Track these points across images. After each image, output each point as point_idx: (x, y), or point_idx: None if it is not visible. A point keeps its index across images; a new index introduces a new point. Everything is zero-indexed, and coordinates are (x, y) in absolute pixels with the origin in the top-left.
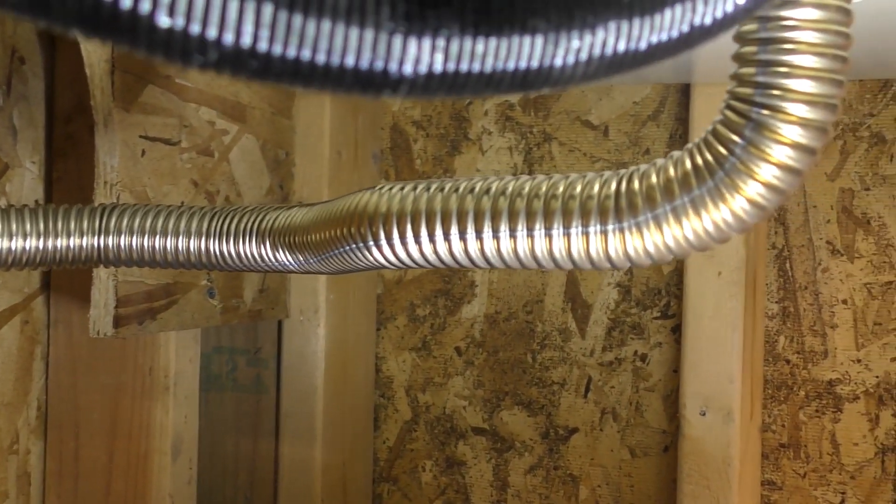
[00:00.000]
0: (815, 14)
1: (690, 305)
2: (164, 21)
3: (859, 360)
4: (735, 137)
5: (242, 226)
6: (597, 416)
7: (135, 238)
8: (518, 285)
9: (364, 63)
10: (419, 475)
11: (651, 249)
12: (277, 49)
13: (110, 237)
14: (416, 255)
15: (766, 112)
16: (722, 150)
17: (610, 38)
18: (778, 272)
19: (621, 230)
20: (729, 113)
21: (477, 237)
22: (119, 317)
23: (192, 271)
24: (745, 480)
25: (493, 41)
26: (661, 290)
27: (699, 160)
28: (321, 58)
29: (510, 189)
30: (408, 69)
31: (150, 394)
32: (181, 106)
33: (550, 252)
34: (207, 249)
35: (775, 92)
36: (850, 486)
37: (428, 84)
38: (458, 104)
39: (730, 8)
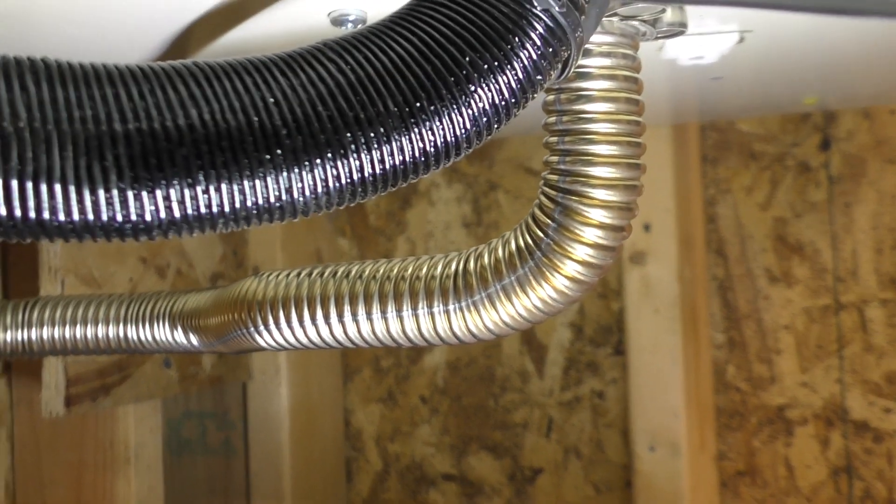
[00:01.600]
0: (606, 107)
1: (632, 343)
2: None
3: (805, 384)
4: (548, 220)
5: (157, 310)
6: (560, 454)
7: (56, 329)
8: None
9: (108, 217)
10: None
11: (490, 326)
12: (29, 214)
13: (35, 329)
14: (290, 339)
15: (572, 198)
16: (539, 232)
17: (342, 174)
18: (721, 302)
19: (461, 309)
20: (542, 198)
21: (339, 320)
22: (71, 396)
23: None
24: None
25: (223, 188)
26: (612, 326)
27: (521, 241)
28: (68, 217)
29: (366, 273)
30: (151, 218)
31: (111, 467)
32: None
33: (404, 331)
34: (125, 335)
35: (579, 178)
36: None
37: (175, 226)
38: None
39: (455, 133)
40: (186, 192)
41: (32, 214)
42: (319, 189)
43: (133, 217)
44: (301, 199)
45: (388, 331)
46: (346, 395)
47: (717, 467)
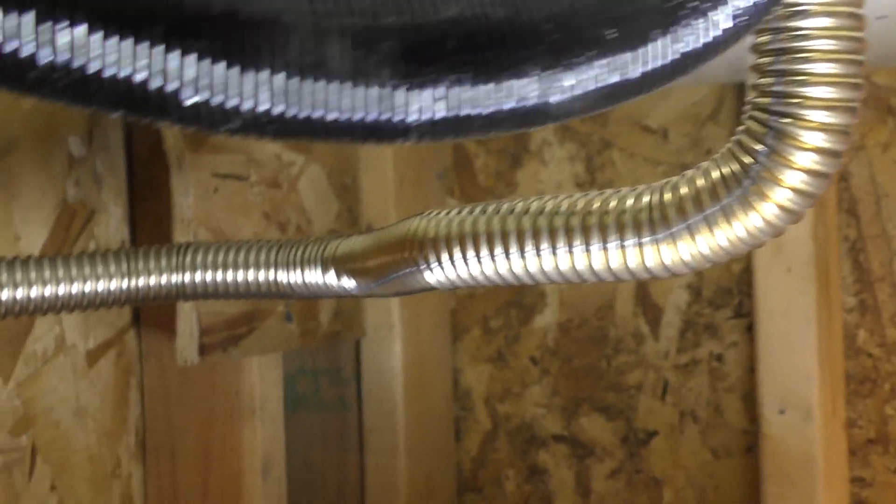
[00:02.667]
0: (826, 22)
1: (761, 304)
2: (188, 97)
3: None
4: (757, 146)
5: (307, 255)
6: (676, 418)
7: (209, 273)
8: (588, 292)
9: (371, 117)
10: (503, 484)
11: (687, 258)
12: (292, 111)
13: (187, 273)
14: (464, 275)
15: (785, 120)
16: (746, 158)
17: (602, 73)
18: (853, 265)
19: (656, 242)
20: (750, 122)
21: (520, 255)
22: (204, 345)
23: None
24: (832, 478)
25: (489, 86)
26: (733, 289)
27: (725, 170)
28: (332, 115)
29: (548, 208)
30: (412, 119)
31: (238, 416)
32: (247, 143)
33: (590, 266)
34: (276, 280)
35: (793, 100)
36: None
37: (433, 130)
38: None
39: (714, 35)
40: (453, 90)
41: (306, 112)
42: (576, 91)
43: (399, 117)
44: (558, 99)
45: (572, 265)
46: (455, 354)
47: (846, 434)
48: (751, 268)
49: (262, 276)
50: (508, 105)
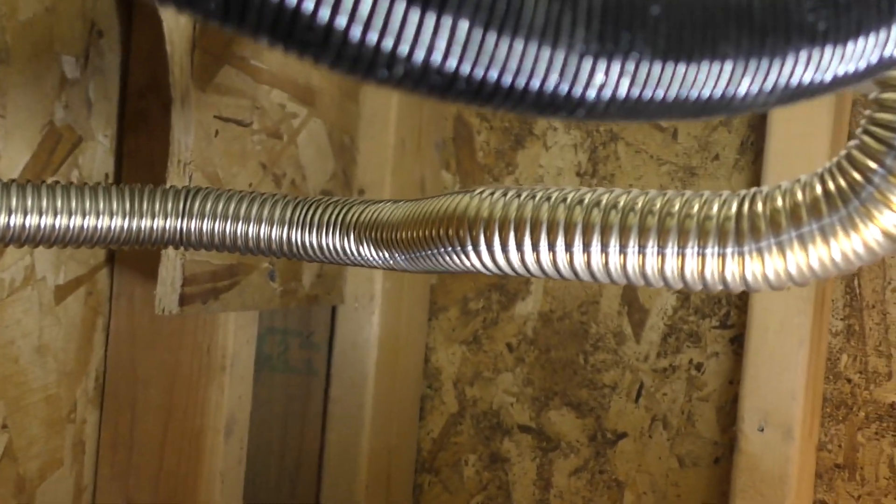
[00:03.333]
0: None
1: (756, 318)
2: (356, 35)
3: None
4: (873, 165)
5: (326, 217)
6: (647, 422)
7: (217, 223)
8: (574, 285)
9: (549, 86)
10: (461, 469)
11: (770, 276)
12: (465, 68)
13: (192, 220)
14: (516, 263)
15: None
16: (858, 176)
17: (798, 67)
18: (845, 289)
19: (741, 254)
20: (867, 139)
21: (584, 250)
22: (185, 295)
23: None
24: (800, 499)
25: (681, 67)
26: (722, 299)
27: (831, 186)
28: (507, 79)
29: (622, 203)
30: (591, 94)
31: (206, 372)
32: (254, 88)
33: (662, 271)
34: (290, 238)
35: None
36: None
37: (607, 109)
38: None
39: None
40: (644, 66)
41: (480, 70)
42: (772, 80)
43: (579, 89)
44: (752, 90)
45: (641, 268)
46: (430, 332)
47: (816, 457)
48: None
49: (275, 232)
50: (696, 90)
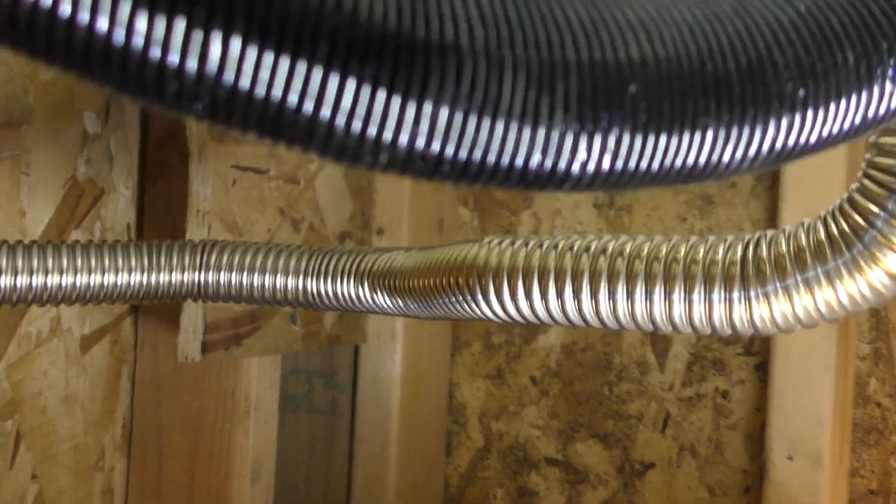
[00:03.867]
0: None
1: (780, 344)
2: (341, 125)
3: None
4: (875, 209)
5: (341, 266)
6: (674, 451)
7: (234, 275)
8: None
9: (534, 163)
10: (490, 503)
11: (779, 319)
12: (449, 151)
13: (210, 273)
14: (526, 311)
15: None
16: (861, 220)
17: (781, 134)
18: (870, 312)
19: (748, 299)
20: (868, 182)
21: (592, 297)
22: (207, 342)
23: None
24: None
25: (662, 139)
26: None
27: (834, 230)
28: (491, 158)
29: (628, 250)
30: (575, 168)
31: (231, 417)
32: None
33: (671, 316)
34: (305, 288)
35: None
36: None
37: (592, 182)
38: None
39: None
40: (625, 140)
41: (464, 152)
42: (755, 147)
43: (563, 165)
44: (736, 157)
45: (649, 314)
46: (453, 368)
47: (849, 484)
48: None
49: (290, 283)
50: (679, 160)
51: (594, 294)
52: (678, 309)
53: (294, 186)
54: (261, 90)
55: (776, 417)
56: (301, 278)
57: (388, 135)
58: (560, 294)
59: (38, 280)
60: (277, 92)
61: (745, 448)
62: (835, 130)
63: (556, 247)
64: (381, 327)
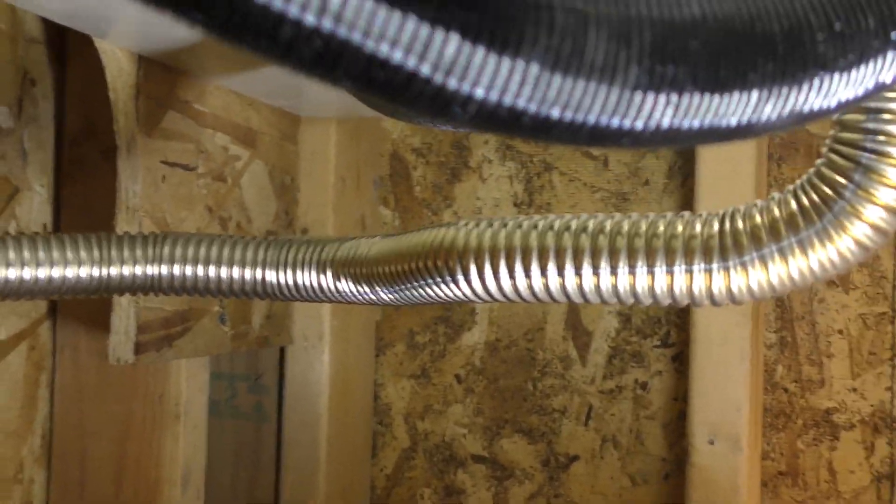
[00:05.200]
0: None
1: (699, 333)
2: (439, 80)
3: (855, 389)
4: (842, 180)
5: (301, 257)
6: (597, 443)
7: (188, 267)
8: (519, 313)
9: (603, 120)
10: (417, 503)
11: (755, 287)
12: (532, 107)
13: (163, 266)
14: (507, 289)
15: (874, 157)
16: (829, 192)
17: (812, 94)
18: (776, 303)
19: (726, 269)
20: (834, 157)
21: (576, 273)
22: (139, 343)
23: (205, 298)
24: None
25: (716, 98)
26: (661, 318)
27: (805, 201)
28: (567, 115)
29: (608, 228)
30: (639, 124)
31: (160, 422)
32: (198, 131)
33: (652, 289)
34: (263, 279)
35: (881, 138)
36: None
37: (652, 138)
38: (459, 132)
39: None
40: (685, 97)
41: (545, 109)
42: (790, 107)
43: (629, 121)
44: (773, 116)
45: (632, 286)
46: (378, 368)
47: (761, 466)
48: None
49: (248, 274)
50: (729, 119)
51: (577, 270)
52: (660, 281)
53: (221, 184)
54: (371, 43)
55: (697, 404)
56: (259, 269)
57: (479, 90)
58: (543, 272)
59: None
60: (384, 46)
61: (664, 436)
62: (852, 94)
63: (535, 227)
64: (309, 328)
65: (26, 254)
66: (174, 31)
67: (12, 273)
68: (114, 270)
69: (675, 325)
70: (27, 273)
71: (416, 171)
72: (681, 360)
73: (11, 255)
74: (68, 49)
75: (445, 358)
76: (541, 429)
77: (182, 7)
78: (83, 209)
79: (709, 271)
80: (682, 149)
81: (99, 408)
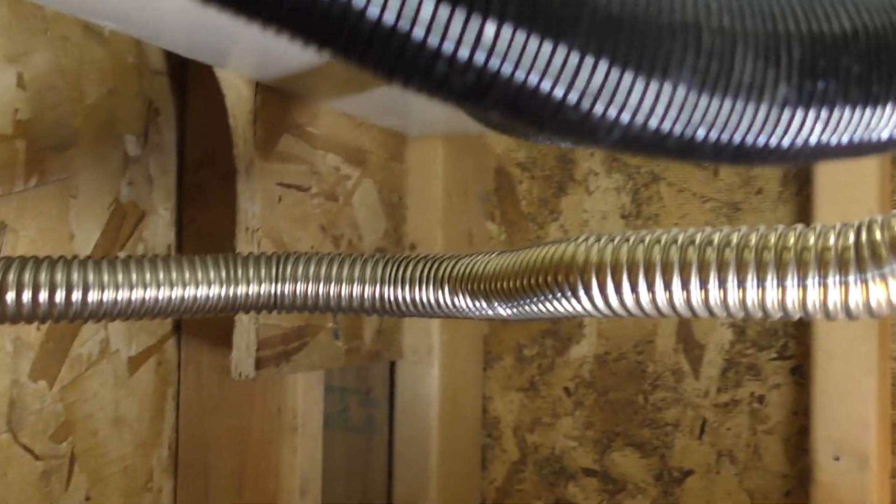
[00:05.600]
0: None
1: (820, 346)
2: (585, 107)
3: None
4: None
5: (417, 273)
6: (713, 458)
7: (310, 285)
8: (628, 325)
9: (749, 139)
10: None
11: (895, 301)
12: (678, 129)
13: (286, 285)
14: (630, 304)
15: None
16: None
17: None
18: None
19: (864, 281)
20: None
21: (701, 287)
22: (259, 359)
23: (323, 315)
24: None
25: (867, 112)
26: (778, 330)
27: None
28: (713, 135)
29: (735, 241)
30: (786, 142)
31: (278, 435)
32: (311, 153)
33: (783, 303)
34: (382, 296)
35: None
36: None
37: (798, 154)
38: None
39: None
40: (836, 113)
41: (691, 130)
42: None
43: (776, 139)
44: None
45: (761, 301)
46: (486, 382)
47: (891, 484)
48: None
49: (367, 291)
50: (878, 134)
51: (703, 284)
52: (791, 295)
53: (333, 203)
54: (521, 73)
55: (820, 420)
56: (378, 286)
57: (625, 115)
58: (667, 286)
59: (94, 296)
60: (534, 76)
61: (784, 452)
62: None
63: (658, 241)
64: (418, 343)
65: (158, 274)
66: (290, 57)
67: (142, 293)
68: (237, 289)
69: (792, 336)
70: (155, 293)
71: (521, 185)
72: (800, 374)
73: (147, 275)
74: (188, 79)
75: (554, 371)
76: (653, 442)
77: (350, 49)
78: (204, 231)
79: (845, 284)
80: None
81: (220, 421)
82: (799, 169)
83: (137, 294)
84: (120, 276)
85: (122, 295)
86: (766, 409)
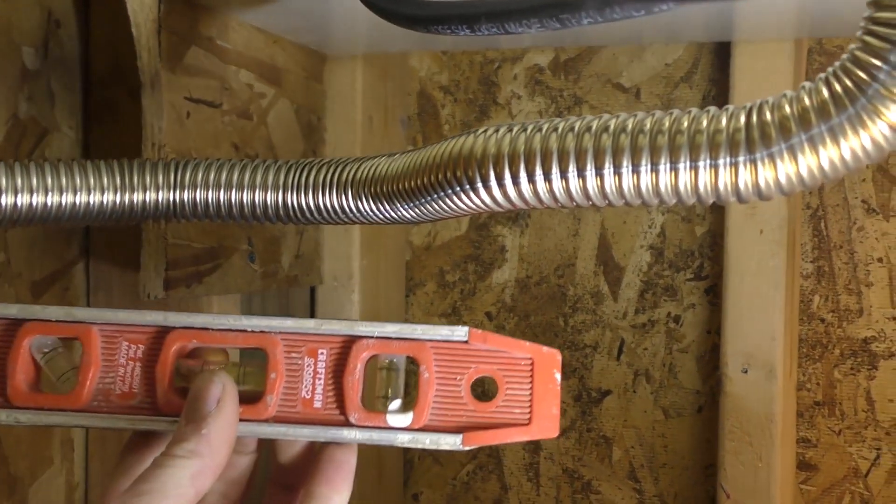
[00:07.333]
0: None
1: (732, 264)
2: None
3: (895, 318)
4: (878, 62)
5: (321, 179)
6: (630, 378)
7: (210, 192)
8: (549, 249)
9: None
10: None
11: (783, 181)
12: None
13: (186, 191)
14: (528, 195)
15: None
16: (863, 75)
17: None
18: (812, 232)
19: (752, 161)
20: (869, 38)
21: (597, 174)
22: (169, 279)
23: (234, 235)
24: (785, 437)
25: None
26: (695, 251)
27: (837, 87)
28: None
29: (630, 126)
30: None
31: None
32: (222, 68)
33: (675, 187)
34: (286, 202)
35: None
36: (886, 441)
37: None
38: (487, 68)
39: None
40: None
41: None
42: None
43: None
44: None
45: (655, 185)
46: (408, 308)
47: (796, 396)
48: (715, 231)
49: (270, 198)
50: None
51: (598, 170)
52: (683, 178)
53: (247, 122)
54: None
55: (730, 334)
56: (281, 193)
57: None
58: (563, 174)
59: (8, 200)
60: None
61: (698, 370)
62: None
63: (555, 129)
64: (338, 268)
65: (45, 180)
66: None
67: (31, 198)
68: (134, 196)
69: (708, 257)
70: (44, 199)
71: (444, 109)
72: (714, 293)
73: (34, 181)
74: None
75: (476, 296)
76: (573, 364)
77: None
78: (113, 150)
79: (734, 165)
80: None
81: None
82: (718, 91)
83: (25, 199)
84: (19, 181)
85: (11, 200)
86: (682, 328)
